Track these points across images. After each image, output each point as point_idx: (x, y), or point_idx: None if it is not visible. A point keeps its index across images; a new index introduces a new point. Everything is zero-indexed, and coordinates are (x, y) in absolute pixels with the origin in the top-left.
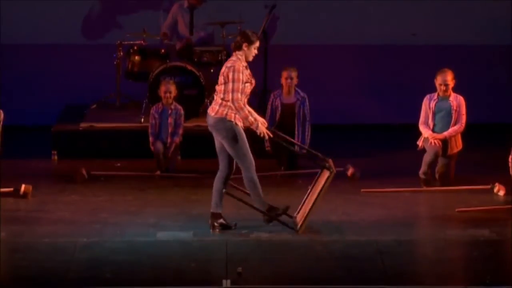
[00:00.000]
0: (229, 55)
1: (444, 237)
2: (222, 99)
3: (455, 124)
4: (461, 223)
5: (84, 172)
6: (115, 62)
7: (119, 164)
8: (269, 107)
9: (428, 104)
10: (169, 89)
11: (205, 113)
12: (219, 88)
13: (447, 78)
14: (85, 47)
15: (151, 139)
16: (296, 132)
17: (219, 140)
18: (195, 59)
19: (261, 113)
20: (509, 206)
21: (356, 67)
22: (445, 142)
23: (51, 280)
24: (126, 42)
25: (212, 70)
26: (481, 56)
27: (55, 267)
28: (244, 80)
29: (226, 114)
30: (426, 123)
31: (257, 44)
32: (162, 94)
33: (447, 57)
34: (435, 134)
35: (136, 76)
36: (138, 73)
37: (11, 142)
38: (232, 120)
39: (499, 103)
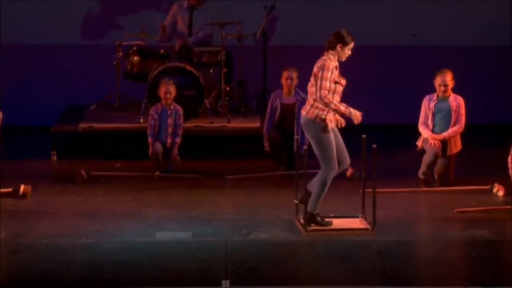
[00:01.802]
0: (228, 56)
1: (443, 237)
2: (314, 100)
3: (454, 124)
4: (460, 224)
5: (83, 172)
6: (114, 63)
7: (118, 165)
8: (269, 107)
9: (427, 105)
10: (169, 90)
11: (204, 113)
12: (311, 89)
13: (447, 78)
14: (84, 48)
15: (150, 139)
16: (295, 132)
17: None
18: (194, 60)
19: (261, 113)
20: (508, 206)
21: (355, 68)
22: (444, 143)
23: (51, 280)
24: (125, 43)
25: (211, 71)
26: (480, 56)
27: (55, 268)
28: (333, 79)
29: (316, 116)
30: (425, 124)
31: (351, 45)
32: (162, 95)
33: (447, 57)
34: (434, 135)
35: (135, 76)
36: (137, 73)
37: (10, 143)
38: (322, 121)
39: (498, 104)
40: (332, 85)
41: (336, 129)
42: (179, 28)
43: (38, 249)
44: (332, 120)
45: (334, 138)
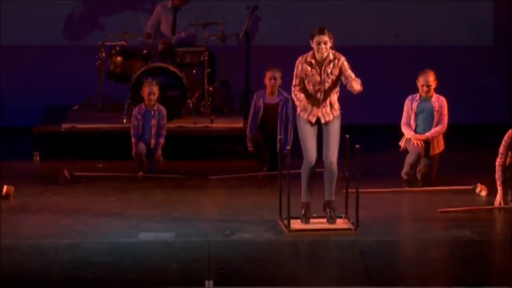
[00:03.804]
0: (211, 56)
1: (426, 237)
2: None
3: (437, 125)
4: (443, 224)
5: (66, 173)
6: (97, 63)
7: (101, 165)
8: (252, 107)
9: (410, 105)
10: (152, 91)
11: (187, 114)
12: None
13: (429, 79)
14: (67, 48)
15: (133, 140)
16: (278, 132)
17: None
18: (177, 60)
19: (244, 113)
20: (491, 206)
21: None
22: (427, 143)
23: (33, 281)
24: (108, 43)
25: (194, 71)
26: (463, 57)
27: (37, 269)
28: (300, 74)
29: (299, 109)
30: (408, 124)
31: (316, 38)
32: (145, 96)
33: (430, 58)
34: (417, 135)
35: (118, 77)
36: (120, 74)
37: None
38: (298, 114)
39: (481, 104)
40: (305, 79)
41: (328, 125)
42: (162, 29)
43: (21, 249)
44: (313, 114)
45: (323, 133)
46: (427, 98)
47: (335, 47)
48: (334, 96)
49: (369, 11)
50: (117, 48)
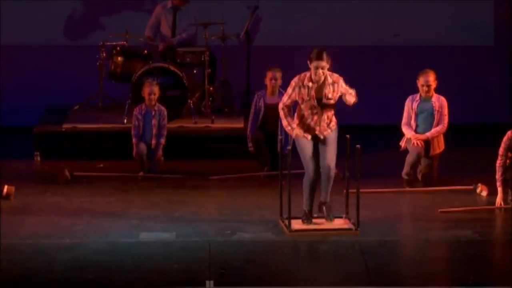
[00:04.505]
0: (212, 56)
1: (426, 237)
2: None
3: (437, 125)
4: (443, 224)
5: (66, 173)
6: (97, 63)
7: (101, 165)
8: (253, 107)
9: (410, 105)
10: (153, 91)
11: (187, 114)
12: None
13: (429, 79)
14: (68, 48)
15: (134, 140)
16: (279, 133)
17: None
18: (178, 60)
19: (245, 113)
20: (492, 206)
21: (339, 68)
22: (427, 143)
23: (34, 281)
24: (108, 43)
25: (195, 71)
26: (463, 57)
27: (38, 269)
28: (293, 97)
29: None
30: (408, 124)
31: (314, 63)
32: (146, 96)
33: (430, 58)
34: (417, 135)
35: (119, 77)
36: (121, 74)
37: None
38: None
39: (481, 104)
40: (301, 104)
41: (325, 139)
42: (162, 29)
43: (21, 249)
44: (307, 130)
45: (319, 146)
46: (427, 98)
47: (335, 47)
48: (331, 114)
49: (369, 11)
50: (118, 48)
